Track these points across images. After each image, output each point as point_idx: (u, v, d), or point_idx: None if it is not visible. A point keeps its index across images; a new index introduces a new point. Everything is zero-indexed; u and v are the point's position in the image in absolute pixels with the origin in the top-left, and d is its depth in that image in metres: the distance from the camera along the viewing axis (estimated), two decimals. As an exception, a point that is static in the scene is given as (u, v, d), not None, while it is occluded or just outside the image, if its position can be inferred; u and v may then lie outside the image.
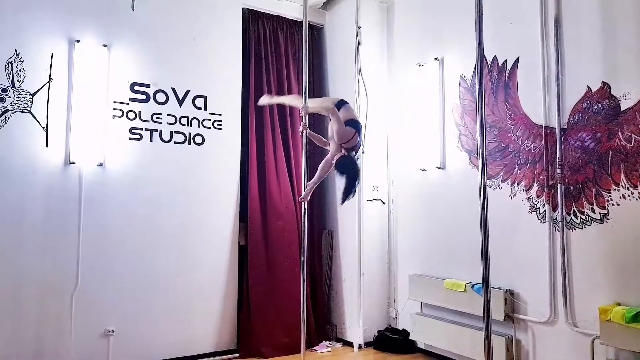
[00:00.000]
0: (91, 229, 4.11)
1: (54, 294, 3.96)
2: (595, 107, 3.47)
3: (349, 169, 3.52)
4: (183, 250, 4.50)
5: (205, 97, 4.70)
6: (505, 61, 4.04)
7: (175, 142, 4.53)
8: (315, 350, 4.72)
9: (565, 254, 3.58)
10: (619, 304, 3.20)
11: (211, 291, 4.62)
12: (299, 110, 3.82)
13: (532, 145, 3.85)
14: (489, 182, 4.14)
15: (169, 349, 4.36)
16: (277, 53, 5.15)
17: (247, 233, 4.79)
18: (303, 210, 3.82)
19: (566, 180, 3.61)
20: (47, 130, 4.00)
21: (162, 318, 4.36)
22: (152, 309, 4.32)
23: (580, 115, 3.55)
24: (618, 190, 3.31)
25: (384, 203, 5.12)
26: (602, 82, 3.42)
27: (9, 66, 3.88)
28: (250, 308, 4.65)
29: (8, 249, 3.82)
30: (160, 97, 4.49)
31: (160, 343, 4.33)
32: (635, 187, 3.22)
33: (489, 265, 2.43)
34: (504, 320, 3.84)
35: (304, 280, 3.74)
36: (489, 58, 4.12)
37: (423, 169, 4.71)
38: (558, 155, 3.64)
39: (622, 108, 3.32)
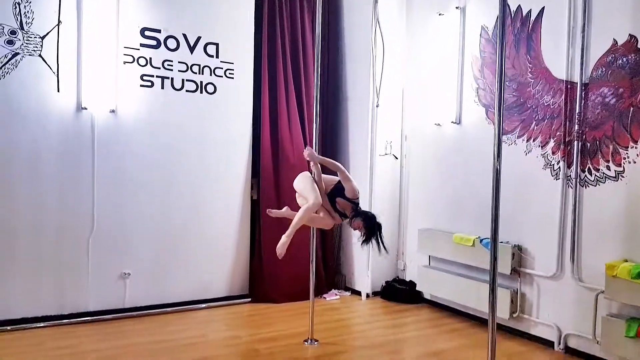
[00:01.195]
0: (105, 174, 4.16)
1: (71, 238, 4.06)
2: (620, 61, 3.36)
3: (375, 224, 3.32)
4: (196, 199, 4.56)
5: (217, 45, 4.61)
6: (530, 11, 3.89)
7: (186, 91, 4.49)
8: (325, 298, 4.84)
9: (577, 210, 3.57)
10: (626, 261, 3.23)
11: (224, 239, 4.71)
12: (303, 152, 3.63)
13: (551, 101, 3.76)
14: (504, 137, 4.09)
15: (183, 292, 4.51)
16: (291, 1, 5.00)
17: (259, 187, 4.82)
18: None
19: (584, 136, 3.55)
20: (58, 75, 3.97)
21: (177, 262, 4.48)
22: (167, 254, 4.43)
23: (604, 69, 3.45)
24: (636, 147, 3.26)
25: (397, 158, 5.10)
26: (630, 35, 3.29)
27: (16, 7, 3.81)
28: (262, 257, 4.75)
29: (25, 193, 3.89)
30: (171, 44, 4.41)
31: (175, 286, 4.47)
32: (654, 145, 3.16)
33: (498, 221, 2.43)
34: (510, 274, 3.89)
35: (313, 235, 3.79)
36: (513, 8, 3.97)
37: (438, 124, 4.65)
38: (577, 111, 3.57)
39: (648, 63, 3.22)
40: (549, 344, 3.70)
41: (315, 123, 3.80)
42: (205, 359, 3.38)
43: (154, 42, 4.33)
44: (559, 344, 3.64)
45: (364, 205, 4.89)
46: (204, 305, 4.54)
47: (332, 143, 5.33)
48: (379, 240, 3.29)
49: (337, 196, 3.37)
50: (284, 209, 3.70)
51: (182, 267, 4.50)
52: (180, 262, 4.50)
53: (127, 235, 4.27)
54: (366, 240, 3.30)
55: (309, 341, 3.70)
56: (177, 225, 4.47)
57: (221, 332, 3.97)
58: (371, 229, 3.27)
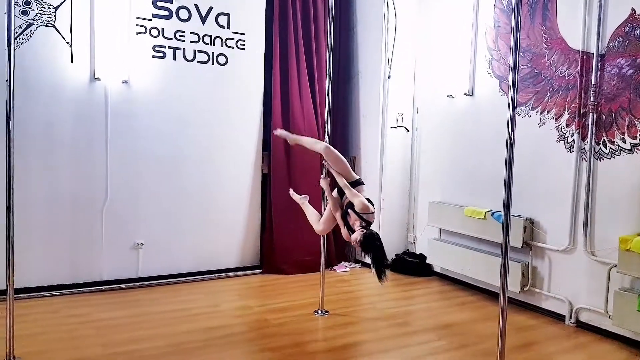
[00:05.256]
0: (119, 145, 4.19)
1: (85, 209, 4.12)
2: (638, 31, 3.27)
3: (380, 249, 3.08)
4: (207, 170, 4.58)
5: (228, 15, 4.58)
6: (546, -20, 3.80)
7: (198, 62, 4.48)
8: (335, 270, 4.88)
9: (590, 183, 3.53)
10: (639, 235, 3.20)
11: (235, 211, 4.75)
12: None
13: (566, 72, 3.69)
14: (518, 110, 4.01)
15: (196, 262, 4.57)
16: (303, -30, 4.92)
17: (270, 160, 4.82)
18: (326, 138, 3.79)
19: (599, 108, 3.49)
20: (71, 45, 3.97)
21: (189, 233, 4.53)
22: (179, 225, 4.48)
23: (621, 39, 3.37)
24: (653, 119, 3.20)
25: (408, 130, 5.06)
26: (649, 3, 3.21)
27: (30, -22, 3.81)
28: (272, 230, 4.79)
29: (39, 164, 3.93)
30: (183, 14, 4.38)
31: (188, 257, 4.53)
32: (672, 116, 3.10)
33: (511, 195, 2.40)
34: (522, 247, 3.88)
35: (324, 207, 3.79)
36: (528, -24, 3.88)
37: (450, 96, 4.60)
38: (593, 82, 3.50)
39: (668, 32, 3.13)
40: (560, 317, 3.70)
41: (328, 96, 3.78)
42: (216, 328, 3.43)
43: (166, 13, 4.31)
44: (570, 318, 3.64)
45: (374, 183, 4.94)
46: (215, 276, 4.60)
47: (343, 115, 5.30)
48: (378, 267, 2.99)
49: (349, 208, 3.19)
50: (303, 197, 3.66)
51: (193, 238, 4.56)
52: (192, 233, 4.55)
53: (140, 205, 4.32)
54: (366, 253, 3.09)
55: (320, 312, 3.74)
56: (188, 196, 4.51)
57: (232, 302, 4.03)
58: (367, 248, 3.02)
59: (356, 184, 3.39)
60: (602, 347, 3.29)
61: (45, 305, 3.76)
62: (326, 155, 3.44)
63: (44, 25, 3.87)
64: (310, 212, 3.60)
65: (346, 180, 3.29)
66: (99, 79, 4.07)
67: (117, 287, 4.19)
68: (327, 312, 3.75)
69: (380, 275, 2.98)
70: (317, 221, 3.51)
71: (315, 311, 3.76)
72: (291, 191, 3.78)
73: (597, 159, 3.52)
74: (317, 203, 3.77)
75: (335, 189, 3.39)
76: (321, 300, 3.76)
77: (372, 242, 3.01)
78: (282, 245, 4.77)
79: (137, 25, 4.20)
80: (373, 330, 3.54)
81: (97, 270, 4.18)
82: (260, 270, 4.80)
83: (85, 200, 4.11)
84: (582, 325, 3.58)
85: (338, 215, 3.32)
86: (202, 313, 3.72)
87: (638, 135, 3.27)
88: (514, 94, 2.38)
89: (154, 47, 4.29)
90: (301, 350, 3.15)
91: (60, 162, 4.00)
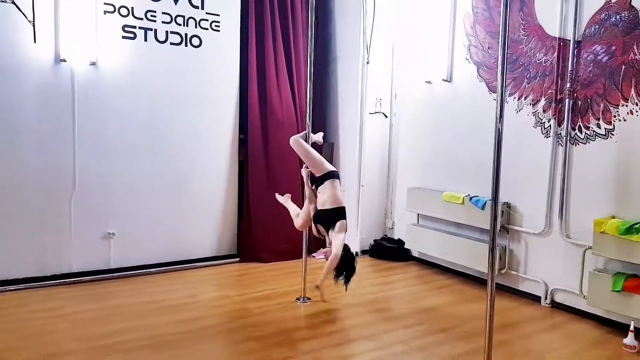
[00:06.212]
0: (87, 130, 3.99)
1: (52, 197, 3.92)
2: (614, 18, 3.35)
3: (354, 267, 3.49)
4: (181, 156, 4.43)
5: (202, -5, 4.42)
6: (524, -34, 3.83)
7: (171, 43, 4.30)
8: (314, 257, 4.83)
9: (566, 168, 3.61)
10: (613, 217, 3.30)
11: (211, 198, 4.63)
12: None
13: (543, 58, 3.75)
14: (494, 96, 4.08)
15: (170, 252, 4.43)
16: (278, -50, 4.79)
17: (247, 147, 4.71)
18: (308, 123, 3.74)
19: (575, 94, 3.56)
20: (34, 24, 3.73)
21: (163, 222, 4.39)
22: (152, 213, 4.33)
23: (597, 27, 3.44)
24: (626, 105, 3.29)
25: (386, 116, 5.05)
26: (625, -9, 3.27)
27: (-16, -51, 3.54)
28: (250, 217, 4.70)
29: (2, 149, 3.70)
30: (154, -7, 4.20)
31: (162, 246, 4.39)
32: (646, 102, 3.19)
33: (499, 181, 2.44)
34: (499, 231, 3.94)
35: (304, 195, 3.76)
36: (507, -38, 3.89)
37: (429, 82, 4.60)
38: (569, 68, 3.56)
39: (642, 20, 3.21)
40: (536, 299, 3.80)
41: (309, 82, 3.73)
42: (196, 319, 3.33)
43: (135, -9, 4.12)
44: (546, 299, 3.74)
45: (353, 170, 4.92)
46: (191, 266, 4.48)
47: (321, 102, 5.24)
48: (348, 280, 3.43)
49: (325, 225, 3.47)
50: (286, 195, 3.82)
51: (168, 227, 4.41)
52: (166, 222, 4.40)
53: (111, 193, 4.14)
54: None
55: (302, 299, 3.71)
56: (161, 183, 4.36)
57: (211, 292, 3.94)
58: (342, 269, 3.39)
59: (327, 177, 3.43)
60: (577, 326, 3.39)
61: (12, 300, 3.57)
62: (294, 148, 3.49)
63: (2, 1, 3.62)
64: (292, 210, 3.72)
65: (315, 174, 3.49)
66: (64, 60, 3.85)
67: (87, 279, 4.02)
68: (309, 299, 3.71)
69: (347, 284, 3.45)
70: (297, 217, 3.60)
71: (297, 299, 3.72)
72: (277, 195, 3.87)
73: (572, 144, 3.60)
74: (295, 191, 3.78)
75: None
76: (303, 287, 3.72)
77: (351, 264, 3.41)
78: (260, 233, 4.69)
79: (105, 3, 3.99)
80: (356, 316, 3.54)
81: (65, 261, 4.00)
82: (238, 259, 4.71)
83: (52, 189, 3.91)
84: (556, 306, 3.69)
85: (312, 207, 3.50)
86: (180, 304, 3.61)
87: (613, 121, 3.36)
88: (502, 81, 2.40)
89: (123, 27, 4.08)
90: (286, 338, 3.11)
91: (24, 149, 3.78)
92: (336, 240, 3.36)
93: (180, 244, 4.48)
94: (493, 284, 2.46)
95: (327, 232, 3.43)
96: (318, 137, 3.78)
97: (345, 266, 3.39)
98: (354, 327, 3.36)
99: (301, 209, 3.67)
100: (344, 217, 3.45)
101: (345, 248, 3.38)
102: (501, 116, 2.41)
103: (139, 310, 3.46)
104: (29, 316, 3.29)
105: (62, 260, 3.98)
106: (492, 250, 2.50)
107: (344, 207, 3.47)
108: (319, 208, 3.47)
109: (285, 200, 3.80)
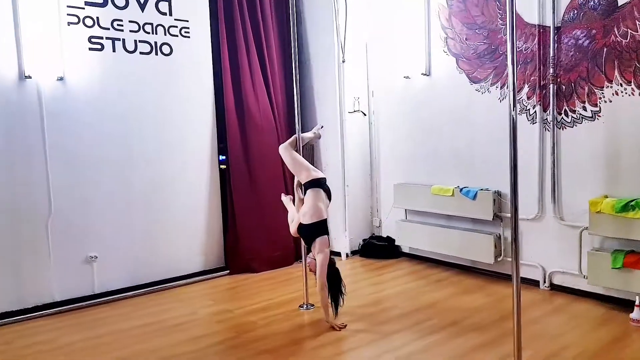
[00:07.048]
0: (58, 150, 3.74)
1: (27, 223, 3.65)
2: (592, 2, 3.43)
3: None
4: (159, 171, 4.23)
5: (169, 1, 4.22)
6: (498, -44, 3.87)
7: (140, 53, 4.10)
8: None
9: (555, 152, 3.68)
10: (606, 197, 3.37)
11: (194, 212, 4.44)
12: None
13: (524, 46, 3.80)
14: (477, 86, 4.11)
15: (157, 270, 4.23)
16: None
17: (227, 153, 4.55)
18: (297, 127, 3.64)
19: (559, 79, 3.63)
20: (-7, 39, 3.46)
21: (146, 241, 4.18)
22: (134, 232, 4.11)
23: (576, 11, 3.51)
24: (611, 87, 3.37)
25: (365, 114, 5.00)
26: (602, -25, 3.36)
27: None
28: (236, 228, 4.54)
29: (-33, 176, 3.42)
30: (120, 1, 3.98)
31: (147, 265, 4.18)
32: (629, 82, 3.28)
33: (517, 172, 2.46)
34: (493, 219, 3.98)
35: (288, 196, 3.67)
36: (480, -47, 3.93)
37: (407, 77, 4.59)
38: (551, 54, 3.63)
39: (619, 3, 3.30)
40: (534, 283, 3.85)
41: (296, 86, 3.65)
42: (203, 337, 3.18)
43: (99, 0, 3.88)
44: (544, 282, 3.79)
45: (336, 170, 4.85)
46: (180, 283, 4.29)
47: (301, 103, 5.11)
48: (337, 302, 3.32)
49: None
50: (289, 197, 3.65)
51: (152, 245, 4.20)
52: (150, 240, 4.19)
53: (89, 215, 3.90)
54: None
55: (305, 306, 3.61)
56: (141, 200, 4.15)
57: (208, 307, 3.76)
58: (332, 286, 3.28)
59: (310, 185, 3.34)
60: (580, 306, 3.45)
61: (-6, 338, 3.29)
62: (282, 156, 3.53)
63: (-44, 17, 3.33)
64: (290, 214, 3.55)
65: (301, 181, 3.42)
66: (29, 77, 3.60)
67: (72, 307, 3.77)
68: (313, 305, 3.61)
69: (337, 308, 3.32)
70: (292, 222, 3.46)
71: (300, 306, 3.62)
72: (282, 195, 3.70)
73: (559, 129, 3.66)
74: (279, 196, 3.69)
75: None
76: (306, 293, 3.62)
77: (338, 282, 3.31)
78: (248, 242, 4.54)
79: (68, 14, 3.75)
80: (364, 317, 3.46)
81: (46, 290, 3.73)
82: (228, 272, 4.55)
83: (27, 214, 3.64)
84: (555, 288, 3.75)
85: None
86: (181, 323, 3.44)
87: (599, 103, 3.43)
88: (513, 70, 2.39)
89: (89, 39, 3.85)
90: (299, 347, 3.00)
91: (-8, 174, 3.50)
92: (317, 261, 3.21)
93: (166, 261, 4.27)
94: (518, 277, 2.44)
95: (310, 248, 3.32)
96: (317, 130, 3.75)
97: (332, 288, 3.28)
98: (366, 329, 3.27)
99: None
100: (325, 232, 3.27)
101: (331, 262, 3.26)
102: (514, 104, 2.39)
103: (140, 334, 3.27)
104: (18, 353, 3.04)
105: (42, 290, 3.72)
106: (514, 240, 2.49)
107: (324, 220, 3.29)
108: (300, 220, 3.29)
109: (287, 201, 3.60)
